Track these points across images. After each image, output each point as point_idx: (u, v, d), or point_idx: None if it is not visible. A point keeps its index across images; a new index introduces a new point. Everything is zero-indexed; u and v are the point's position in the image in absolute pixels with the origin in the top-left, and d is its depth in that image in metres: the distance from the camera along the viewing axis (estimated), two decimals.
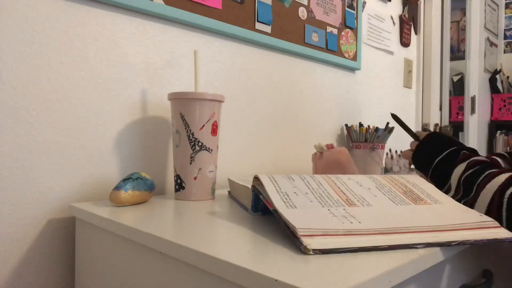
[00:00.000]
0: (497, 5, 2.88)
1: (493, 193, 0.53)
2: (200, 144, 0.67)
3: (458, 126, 2.30)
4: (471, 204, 0.56)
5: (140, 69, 0.77)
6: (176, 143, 0.69)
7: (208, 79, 0.89)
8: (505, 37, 2.97)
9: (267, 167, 1.03)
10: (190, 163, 0.67)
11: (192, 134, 0.67)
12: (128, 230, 0.49)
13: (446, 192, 0.63)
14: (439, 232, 0.44)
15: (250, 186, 0.57)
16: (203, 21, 0.85)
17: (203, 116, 0.67)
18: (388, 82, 1.56)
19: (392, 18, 1.56)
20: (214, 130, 0.69)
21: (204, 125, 0.67)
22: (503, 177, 0.53)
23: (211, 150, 0.69)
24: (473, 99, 2.21)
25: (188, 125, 0.67)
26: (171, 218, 0.54)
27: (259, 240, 0.43)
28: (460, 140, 2.46)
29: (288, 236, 0.44)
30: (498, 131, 2.69)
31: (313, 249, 0.37)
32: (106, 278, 0.55)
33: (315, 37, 1.14)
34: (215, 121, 0.69)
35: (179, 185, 0.69)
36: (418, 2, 1.73)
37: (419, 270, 0.38)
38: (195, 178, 0.68)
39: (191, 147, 0.67)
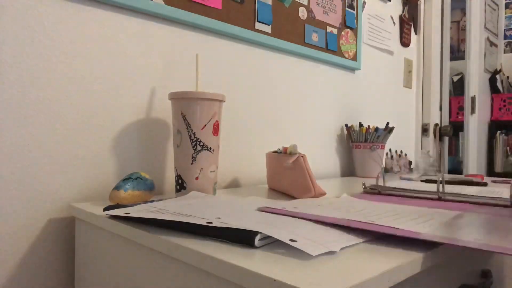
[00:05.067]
0: (497, 5, 2.88)
1: None
2: (201, 144, 0.67)
3: (458, 126, 2.30)
4: None
5: (140, 69, 0.77)
6: (177, 143, 0.68)
7: (208, 79, 0.89)
8: (505, 37, 2.97)
9: None
10: (192, 163, 0.67)
11: (194, 134, 0.67)
12: (128, 230, 0.49)
13: None
14: None
15: None
16: (203, 21, 0.85)
17: (205, 115, 0.67)
18: (388, 82, 1.56)
19: (392, 18, 1.56)
20: (216, 130, 0.69)
21: (205, 125, 0.67)
22: None
23: (213, 150, 0.69)
24: (473, 99, 2.21)
25: (190, 124, 0.66)
26: None
27: None
28: (460, 140, 2.46)
29: None
30: (498, 131, 2.69)
31: None
32: (106, 278, 0.55)
33: (315, 37, 1.14)
34: (217, 121, 0.69)
35: (180, 185, 0.68)
36: (418, 2, 1.73)
37: (418, 270, 0.38)
38: (196, 178, 0.68)
39: (193, 147, 0.67)
